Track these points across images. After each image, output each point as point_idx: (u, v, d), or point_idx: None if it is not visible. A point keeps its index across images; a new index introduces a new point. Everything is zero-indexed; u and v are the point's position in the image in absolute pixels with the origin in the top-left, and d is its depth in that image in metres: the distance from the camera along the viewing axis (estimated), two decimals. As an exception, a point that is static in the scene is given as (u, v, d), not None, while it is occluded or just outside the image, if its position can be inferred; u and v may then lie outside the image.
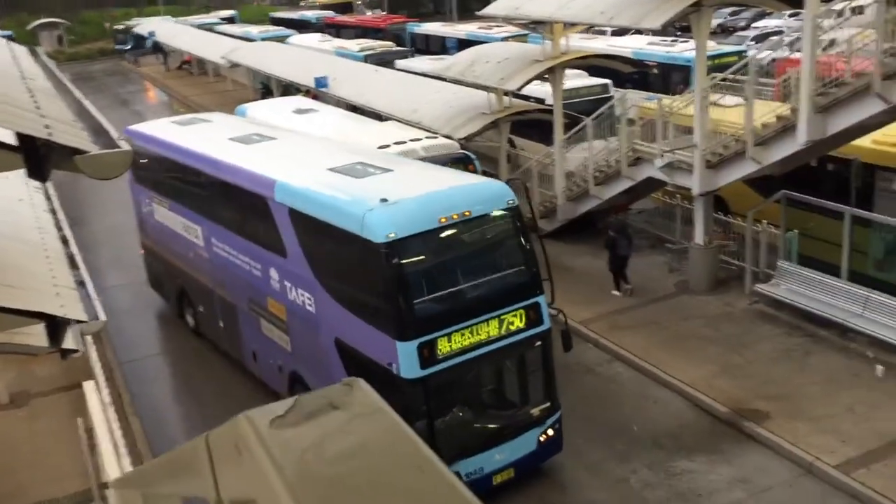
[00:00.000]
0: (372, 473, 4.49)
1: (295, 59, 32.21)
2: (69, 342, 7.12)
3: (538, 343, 10.89)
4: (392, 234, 9.99)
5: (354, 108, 25.04)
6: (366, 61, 33.64)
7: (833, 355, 13.94)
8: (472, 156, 16.57)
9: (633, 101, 18.69)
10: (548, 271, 11.48)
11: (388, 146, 16.79)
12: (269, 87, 36.22)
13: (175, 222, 15.77)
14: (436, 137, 18.12)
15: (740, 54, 25.26)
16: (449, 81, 22.45)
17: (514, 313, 10.60)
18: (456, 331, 10.13)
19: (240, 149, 14.34)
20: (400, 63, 32.68)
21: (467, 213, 10.50)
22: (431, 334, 10.03)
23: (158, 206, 16.41)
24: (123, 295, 19.37)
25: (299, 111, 22.50)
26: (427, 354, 9.97)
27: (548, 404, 11.14)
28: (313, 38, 42.50)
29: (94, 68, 59.89)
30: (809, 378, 13.36)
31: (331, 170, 12.12)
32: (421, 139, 17.60)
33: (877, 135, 15.35)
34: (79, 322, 6.49)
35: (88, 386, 12.60)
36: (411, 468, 4.57)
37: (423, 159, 15.23)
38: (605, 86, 24.33)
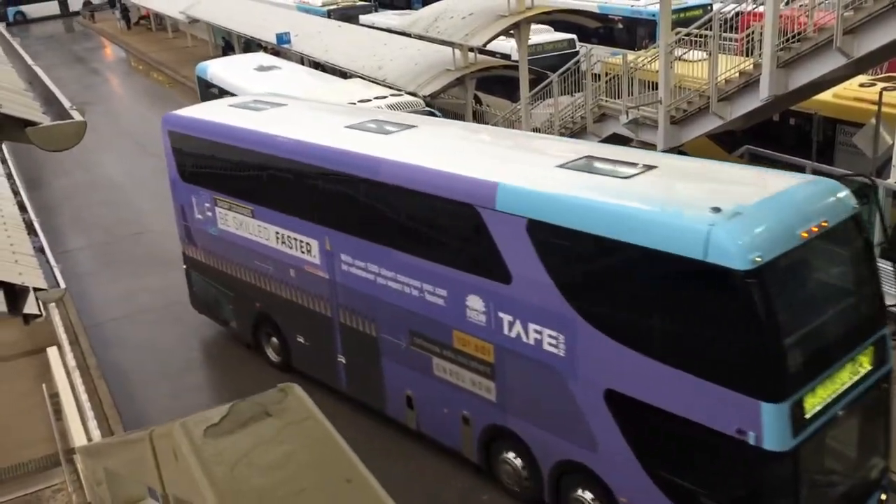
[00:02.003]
0: (300, 484, 4.59)
1: (256, 14, 31.61)
2: (31, 308, 7.03)
3: (884, 385, 8.74)
4: (758, 258, 7.40)
5: (317, 65, 24.72)
6: (329, 16, 33.10)
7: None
8: (438, 113, 16.49)
9: (599, 57, 18.61)
10: None
11: (353, 104, 16.66)
12: (230, 44, 35.55)
13: (262, 233, 12.66)
14: (401, 95, 18.00)
15: (705, 8, 25.23)
16: (413, 37, 22.22)
17: (864, 352, 8.43)
18: (820, 381, 7.89)
19: (380, 141, 11.32)
20: (363, 18, 32.22)
21: (824, 224, 8.09)
22: (802, 389, 7.68)
23: (228, 211, 13.21)
24: (85, 257, 19.16)
25: (262, 68, 22.23)
26: (798, 416, 7.62)
27: (885, 462, 9.03)
28: (274, -8, 41.61)
29: (47, 27, 58.13)
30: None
31: (563, 167, 9.49)
32: (386, 97, 17.51)
33: (838, 89, 15.51)
34: (38, 290, 6.39)
35: (52, 351, 12.50)
36: (339, 479, 4.69)
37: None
38: (570, 41, 24.24)
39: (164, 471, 4.74)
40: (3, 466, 11.14)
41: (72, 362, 12.38)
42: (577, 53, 21.98)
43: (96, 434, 10.33)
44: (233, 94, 21.12)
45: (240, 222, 13.05)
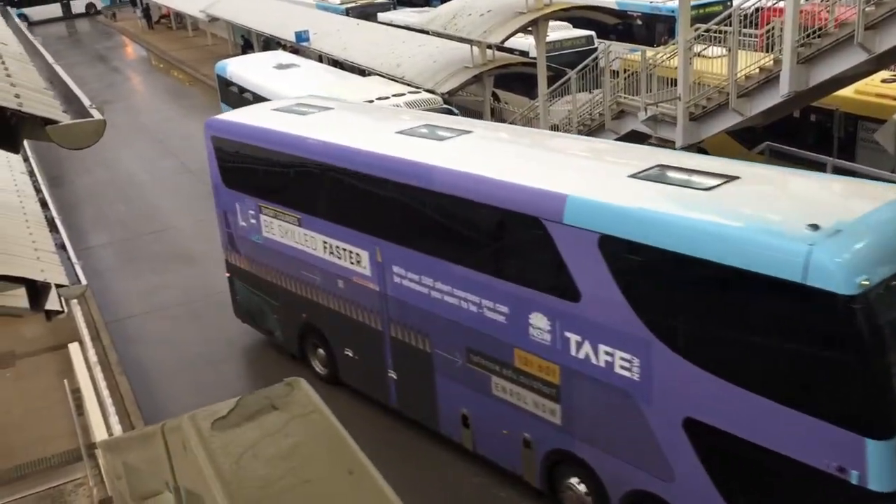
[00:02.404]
0: (304, 475, 4.69)
1: (275, 13, 31.76)
2: (53, 304, 7.14)
3: None
4: (865, 281, 6.73)
5: (336, 63, 24.80)
6: (347, 14, 33.21)
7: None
8: (457, 111, 16.51)
9: (617, 53, 18.55)
10: None
11: (371, 101, 16.71)
12: (249, 42, 35.73)
13: (310, 242, 12.20)
14: (419, 92, 18.03)
15: (725, 4, 25.07)
16: (432, 35, 22.24)
17: None
18: None
19: (434, 147, 10.78)
20: (382, 16, 32.29)
21: None
22: None
23: (273, 219, 12.77)
24: (106, 254, 19.33)
25: (281, 67, 22.36)
26: None
27: None
28: (293, -10, 41.85)
29: (50, 29, 58.54)
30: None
31: (635, 177, 8.86)
32: (404, 94, 17.55)
33: (859, 85, 15.37)
34: (60, 286, 6.49)
35: (73, 347, 12.64)
36: (342, 470, 4.78)
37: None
38: (589, 37, 24.18)
39: (175, 463, 4.88)
40: (26, 461, 11.29)
41: (93, 358, 12.52)
42: (595, 50, 21.92)
43: (117, 429, 10.45)
44: (252, 93, 21.34)
45: (285, 230, 12.59)
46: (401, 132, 11.48)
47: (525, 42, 22.23)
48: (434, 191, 10.03)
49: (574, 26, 24.34)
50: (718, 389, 7.62)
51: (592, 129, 17.50)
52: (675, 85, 15.29)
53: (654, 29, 26.62)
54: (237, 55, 30.55)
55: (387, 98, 17.32)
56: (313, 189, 12.04)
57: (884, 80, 15.89)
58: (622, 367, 8.40)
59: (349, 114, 13.64)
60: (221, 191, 13.85)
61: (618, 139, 16.89)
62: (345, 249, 11.60)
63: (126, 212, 21.89)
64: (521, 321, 9.31)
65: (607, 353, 8.52)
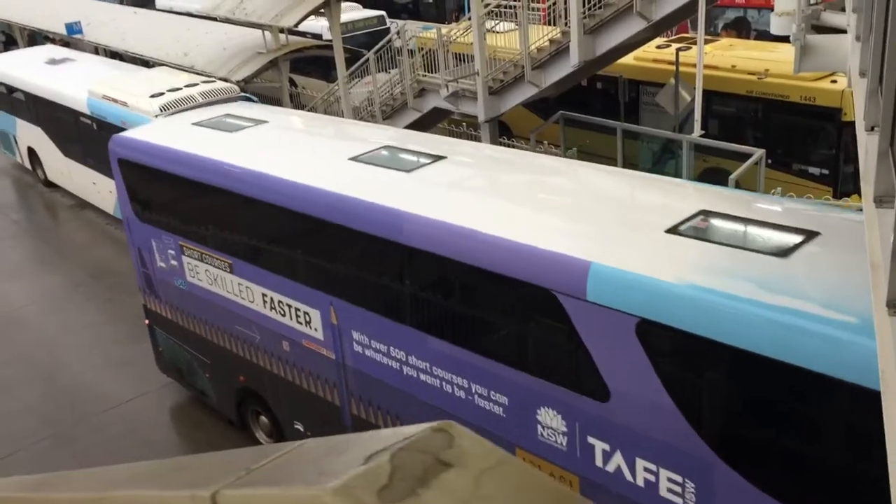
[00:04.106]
0: None
1: (39, 3, 29.21)
2: None
3: None
4: None
5: (116, 55, 23.31)
6: (122, 2, 31.22)
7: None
8: (256, 99, 16.00)
9: (412, 32, 18.69)
10: None
11: (161, 94, 15.82)
12: (11, 37, 32.71)
13: (245, 293, 10.03)
14: (213, 82, 17.29)
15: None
16: (220, 21, 21.38)
17: None
18: None
19: (400, 182, 8.58)
20: (160, 2, 30.61)
21: None
22: None
23: (199, 262, 10.56)
24: None
25: (53, 62, 20.77)
26: None
27: None
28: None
29: None
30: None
31: (676, 232, 6.67)
32: (197, 84, 16.75)
33: (638, 52, 16.43)
34: None
35: None
36: None
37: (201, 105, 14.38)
38: (381, 17, 24.22)
39: None
40: None
41: None
42: (388, 30, 21.97)
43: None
44: (24, 91, 19.68)
45: (214, 277, 10.37)
46: (355, 158, 9.24)
47: (318, 25, 21.90)
48: (405, 245, 7.86)
49: (364, 6, 24.29)
50: None
51: (395, 108, 17.57)
52: (472, 61, 15.64)
53: (444, 6, 27.09)
54: (-1, 52, 27.91)
55: (179, 89, 16.45)
56: (248, 230, 9.94)
57: (658, 47, 17.08)
58: (671, 491, 6.41)
59: (288, 130, 11.69)
60: (134, 224, 11.66)
61: (421, 117, 17.10)
62: (290, 306, 9.46)
63: None
64: (525, 416, 7.32)
65: (649, 471, 6.52)
